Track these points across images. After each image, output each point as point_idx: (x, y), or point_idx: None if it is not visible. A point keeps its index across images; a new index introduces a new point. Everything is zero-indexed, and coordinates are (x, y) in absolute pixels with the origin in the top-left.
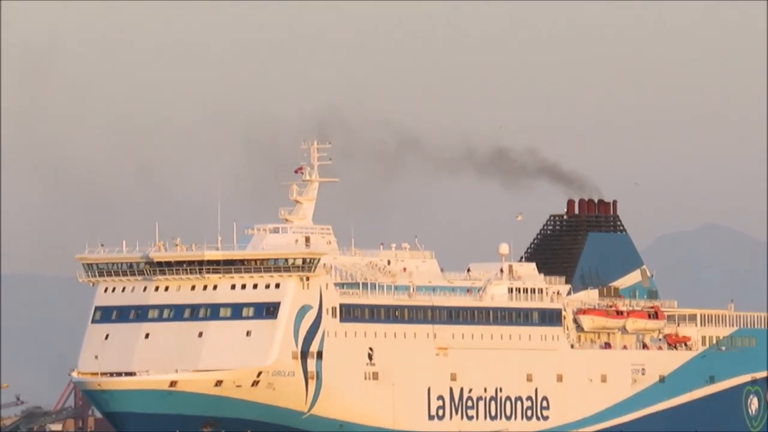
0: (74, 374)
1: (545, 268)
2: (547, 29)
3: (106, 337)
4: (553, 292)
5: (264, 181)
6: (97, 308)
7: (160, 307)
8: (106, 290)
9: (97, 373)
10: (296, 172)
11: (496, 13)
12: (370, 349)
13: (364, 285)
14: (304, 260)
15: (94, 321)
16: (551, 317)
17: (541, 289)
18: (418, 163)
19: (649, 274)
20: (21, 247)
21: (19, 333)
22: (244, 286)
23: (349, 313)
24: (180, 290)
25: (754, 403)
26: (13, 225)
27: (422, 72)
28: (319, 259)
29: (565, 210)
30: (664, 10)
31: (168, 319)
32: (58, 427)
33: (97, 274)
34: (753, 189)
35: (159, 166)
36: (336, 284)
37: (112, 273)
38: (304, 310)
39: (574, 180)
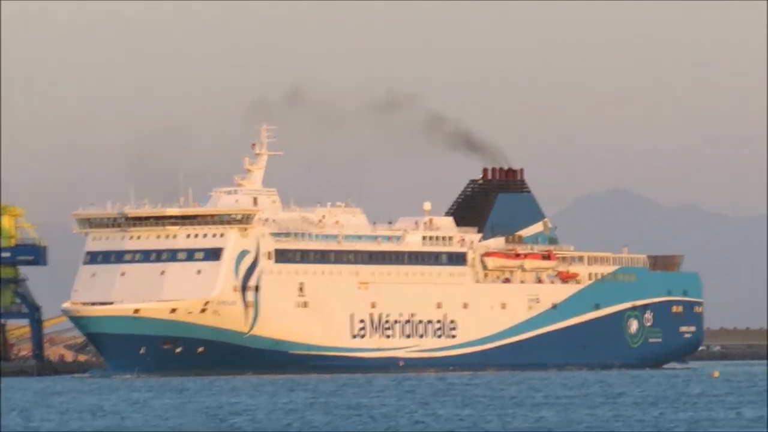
0: (65, 304)
1: (463, 222)
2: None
3: (93, 275)
4: (462, 239)
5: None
6: (87, 252)
7: (133, 252)
8: (94, 239)
9: (83, 303)
10: (252, 147)
11: None
12: (301, 283)
13: (296, 234)
14: (242, 215)
15: (84, 263)
16: (457, 258)
17: (451, 237)
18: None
19: (551, 226)
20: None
21: None
22: (196, 236)
23: (283, 256)
24: (149, 239)
25: (633, 325)
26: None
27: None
28: (254, 215)
29: (481, 176)
30: None
31: (139, 261)
32: None
33: (87, 226)
34: (652, 157)
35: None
36: (272, 234)
37: (99, 225)
38: (243, 254)
39: (489, 151)
